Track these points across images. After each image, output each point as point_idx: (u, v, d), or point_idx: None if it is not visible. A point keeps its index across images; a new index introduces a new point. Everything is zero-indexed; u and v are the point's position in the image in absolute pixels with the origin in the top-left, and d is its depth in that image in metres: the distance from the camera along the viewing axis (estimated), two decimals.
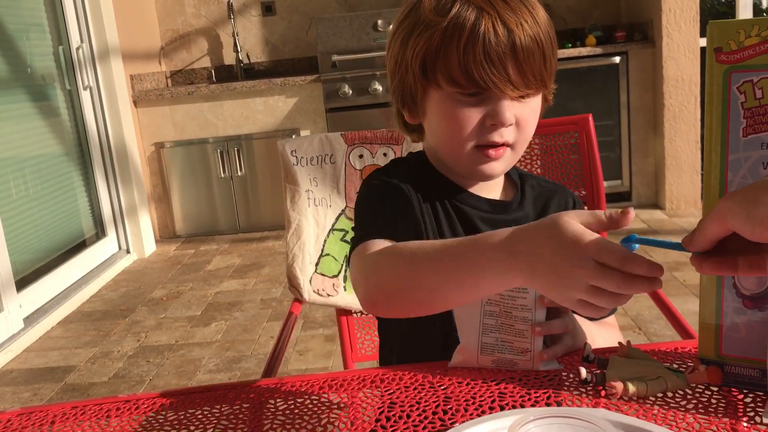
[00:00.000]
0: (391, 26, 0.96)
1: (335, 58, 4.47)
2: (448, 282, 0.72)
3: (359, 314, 1.37)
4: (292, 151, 1.33)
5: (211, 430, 0.71)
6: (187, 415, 0.74)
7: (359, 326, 1.38)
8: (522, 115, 0.89)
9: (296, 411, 0.73)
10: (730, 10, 5.47)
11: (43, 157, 3.79)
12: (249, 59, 5.01)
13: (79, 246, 3.97)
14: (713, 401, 0.69)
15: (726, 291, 0.69)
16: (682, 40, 4.34)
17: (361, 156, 1.35)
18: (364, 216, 0.95)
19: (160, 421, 0.74)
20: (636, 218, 4.27)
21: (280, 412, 0.73)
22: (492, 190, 1.00)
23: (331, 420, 0.71)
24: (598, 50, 4.37)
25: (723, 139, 0.66)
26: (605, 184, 4.71)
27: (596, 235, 0.61)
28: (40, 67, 3.86)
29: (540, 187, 1.04)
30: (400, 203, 0.94)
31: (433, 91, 0.91)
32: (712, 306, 0.70)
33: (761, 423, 0.64)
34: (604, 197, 1.28)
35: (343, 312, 1.36)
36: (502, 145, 0.90)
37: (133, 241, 4.33)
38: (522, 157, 1.31)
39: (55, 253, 3.74)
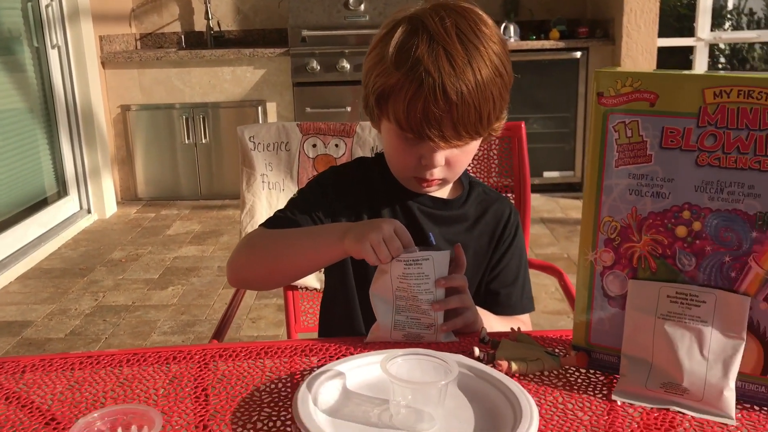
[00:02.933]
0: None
1: (305, 33, 4.53)
2: (286, 248, 1.01)
3: (303, 289, 1.50)
4: (250, 137, 1.44)
5: (161, 382, 0.83)
6: (141, 371, 0.87)
7: (303, 300, 1.51)
8: (453, 157, 1.03)
9: (235, 372, 0.86)
10: (691, 12, 5.66)
11: (7, 113, 3.81)
12: (219, 27, 5.04)
13: (41, 204, 4.01)
14: (579, 381, 0.84)
15: (596, 291, 0.84)
16: (640, 39, 4.50)
17: (314, 145, 1.47)
18: (285, 204, 1.13)
19: (117, 375, 0.86)
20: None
21: (221, 372, 0.86)
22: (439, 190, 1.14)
23: (265, 381, 0.84)
24: (561, 44, 4.52)
25: (600, 167, 0.80)
26: (558, 174, 4.89)
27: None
28: (8, 23, 3.86)
29: (485, 194, 1.18)
30: (312, 200, 1.10)
31: (384, 120, 1.04)
32: (585, 304, 0.85)
33: (611, 399, 0.79)
34: (529, 189, 1.43)
35: (289, 287, 1.49)
36: (434, 179, 1.05)
37: (95, 201, 4.38)
38: None
39: (15, 209, 3.78)
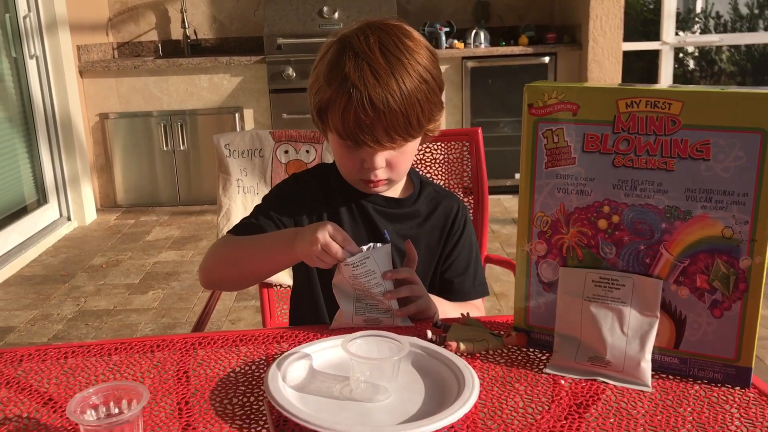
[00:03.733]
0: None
1: (280, 41, 4.63)
2: (249, 255, 1.12)
3: (278, 287, 1.60)
4: (225, 145, 1.54)
5: (147, 367, 0.93)
6: (128, 358, 0.97)
7: (278, 297, 1.61)
8: (393, 158, 1.14)
9: (213, 357, 0.96)
10: (656, 16, 5.83)
11: None
12: (196, 35, 5.13)
13: (20, 212, 4.07)
14: (519, 357, 0.95)
15: (532, 278, 0.95)
16: (606, 44, 4.66)
17: (286, 152, 1.57)
18: (251, 212, 1.22)
19: (107, 361, 0.96)
20: None
21: (200, 357, 0.96)
22: (391, 189, 1.25)
23: (240, 364, 0.94)
24: (530, 50, 4.66)
25: (531, 169, 0.91)
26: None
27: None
28: None
29: (435, 192, 1.29)
30: (275, 207, 1.20)
31: (328, 131, 1.15)
32: (523, 290, 0.96)
33: (544, 372, 0.90)
34: (487, 190, 1.54)
35: (264, 285, 1.59)
36: (379, 180, 1.15)
37: (75, 208, 4.44)
38: (426, 159, 1.56)
39: None
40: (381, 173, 1.14)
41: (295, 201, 1.22)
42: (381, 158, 1.12)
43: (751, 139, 0.80)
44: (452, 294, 1.23)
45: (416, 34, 1.13)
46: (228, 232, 1.19)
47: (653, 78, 5.39)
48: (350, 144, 1.11)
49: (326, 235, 0.98)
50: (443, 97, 1.16)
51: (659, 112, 0.83)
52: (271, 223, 1.18)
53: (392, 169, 1.15)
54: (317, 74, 1.13)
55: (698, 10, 8.35)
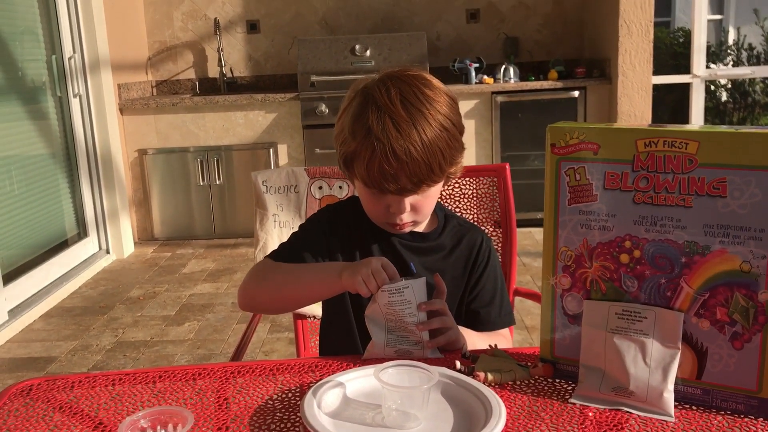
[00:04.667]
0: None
1: (314, 78, 4.75)
2: (293, 280, 1.17)
3: (312, 318, 1.65)
4: (263, 181, 1.61)
5: (189, 393, 0.98)
6: (171, 385, 1.02)
7: (312, 329, 1.66)
8: (417, 202, 1.19)
9: (251, 385, 1.01)
10: (686, 50, 5.85)
11: (32, 159, 4.02)
12: (232, 73, 5.28)
13: (62, 245, 4.19)
14: (545, 388, 0.98)
15: (557, 311, 0.98)
16: (636, 78, 4.69)
17: (320, 187, 1.63)
18: (288, 239, 1.28)
19: (151, 388, 1.01)
20: None
21: (239, 385, 1.01)
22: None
23: (277, 391, 0.99)
24: (559, 84, 4.71)
25: (555, 205, 0.96)
26: None
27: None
28: (33, 74, 4.09)
29: (459, 226, 1.34)
30: (312, 236, 1.26)
31: (354, 178, 1.21)
32: (549, 322, 0.99)
33: (569, 402, 0.93)
34: (515, 224, 1.58)
35: (298, 316, 1.64)
36: (405, 223, 1.21)
37: (113, 242, 4.56)
38: (455, 194, 1.61)
39: (39, 250, 3.97)
40: (406, 217, 1.20)
41: (329, 231, 1.27)
42: (406, 203, 1.18)
43: (766, 177, 0.83)
44: (479, 324, 1.27)
45: (436, 81, 1.18)
46: (267, 256, 1.25)
47: (685, 110, 5.39)
48: (376, 191, 1.17)
49: (379, 263, 1.04)
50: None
51: (676, 152, 0.87)
52: (308, 251, 1.24)
53: (417, 212, 1.20)
54: (342, 126, 1.19)
55: (730, 42, 8.34)
